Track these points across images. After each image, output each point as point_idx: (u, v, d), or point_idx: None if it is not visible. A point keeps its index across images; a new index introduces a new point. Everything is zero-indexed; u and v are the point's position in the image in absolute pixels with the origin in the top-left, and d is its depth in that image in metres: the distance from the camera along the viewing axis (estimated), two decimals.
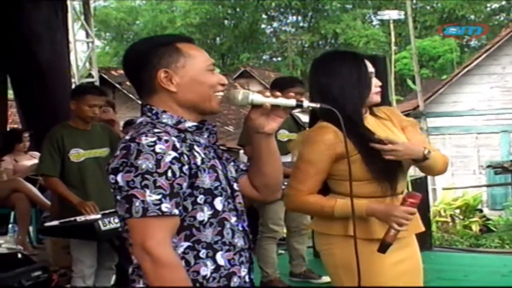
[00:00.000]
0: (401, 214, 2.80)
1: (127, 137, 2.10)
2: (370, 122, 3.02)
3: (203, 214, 2.11)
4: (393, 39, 31.91)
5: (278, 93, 2.29)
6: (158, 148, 2.02)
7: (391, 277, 2.93)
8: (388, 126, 3.07)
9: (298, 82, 6.02)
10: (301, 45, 38.17)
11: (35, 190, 7.01)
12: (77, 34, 10.61)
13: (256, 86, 26.26)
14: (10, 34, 8.26)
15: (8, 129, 8.97)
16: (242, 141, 5.83)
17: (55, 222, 4.78)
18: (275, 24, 39.52)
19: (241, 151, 9.82)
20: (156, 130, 2.08)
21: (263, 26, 39.45)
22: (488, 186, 17.08)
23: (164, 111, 2.19)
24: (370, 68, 3.01)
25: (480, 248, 10.60)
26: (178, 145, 2.07)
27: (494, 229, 13.77)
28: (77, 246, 4.92)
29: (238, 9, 37.69)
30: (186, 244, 2.10)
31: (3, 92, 8.95)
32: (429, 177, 8.87)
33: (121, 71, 21.55)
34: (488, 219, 14.42)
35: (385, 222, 2.84)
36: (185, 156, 2.07)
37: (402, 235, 2.91)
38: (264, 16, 38.73)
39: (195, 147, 2.15)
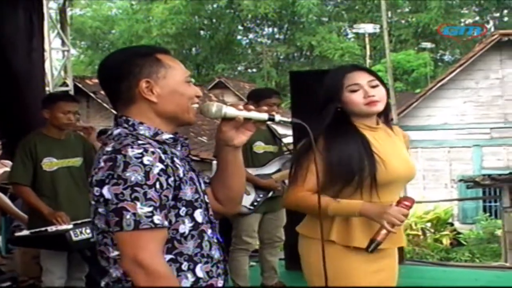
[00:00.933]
0: (394, 213, 2.80)
1: (109, 149, 2.06)
2: (376, 135, 3.02)
3: (184, 227, 2.10)
4: (368, 52, 32.22)
5: (251, 107, 2.32)
6: (146, 160, 2.00)
7: (366, 285, 2.94)
8: (396, 143, 3.07)
9: (274, 93, 6.01)
10: (276, 57, 38.28)
11: (5, 198, 6.91)
12: (52, 42, 10.53)
13: (231, 97, 26.28)
14: None
15: None
16: (216, 152, 5.79)
17: (26, 232, 4.74)
18: (251, 36, 39.63)
19: (214, 162, 9.83)
20: (140, 142, 2.06)
21: (239, 37, 39.53)
22: (459, 200, 17.20)
23: (141, 123, 2.17)
24: (350, 81, 2.99)
25: (451, 262, 10.65)
26: (163, 157, 2.05)
27: (464, 243, 13.86)
28: (47, 256, 4.86)
29: (214, 20, 37.73)
30: (168, 256, 2.08)
31: None
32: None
33: (96, 80, 21.51)
34: (459, 233, 14.51)
35: (377, 222, 2.83)
36: (170, 168, 2.06)
37: (386, 246, 2.93)
38: (240, 27, 38.81)
39: (175, 159, 2.13)
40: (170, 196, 2.05)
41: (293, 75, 7.84)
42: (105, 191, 2.00)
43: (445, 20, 34.31)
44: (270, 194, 5.71)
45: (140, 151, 2.01)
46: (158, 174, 2.01)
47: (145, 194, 1.97)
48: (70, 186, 4.94)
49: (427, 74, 31.32)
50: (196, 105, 2.26)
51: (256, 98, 5.74)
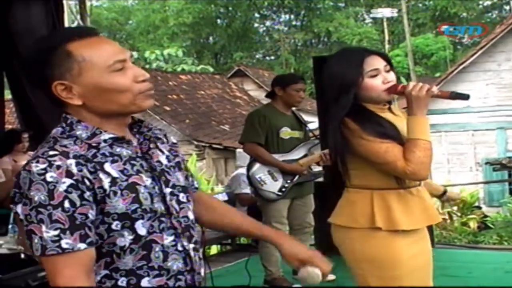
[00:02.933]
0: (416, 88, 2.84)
1: (28, 159, 1.82)
2: (386, 115, 2.99)
3: (124, 240, 1.85)
4: (386, 37, 32.10)
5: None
6: (49, 176, 1.74)
7: (408, 270, 2.93)
8: (402, 120, 3.06)
9: (299, 78, 6.03)
10: (294, 44, 38.25)
11: None
12: None
13: (251, 85, 26.26)
14: (3, 32, 8.20)
15: (5, 129, 8.89)
16: (243, 138, 5.79)
17: None
18: (268, 23, 39.60)
19: (238, 150, 9.88)
20: (51, 153, 1.78)
21: (256, 25, 39.50)
22: (486, 183, 17.10)
23: (79, 121, 1.87)
24: (369, 66, 2.92)
25: (480, 245, 10.61)
26: (75, 170, 1.77)
27: (491, 226, 13.78)
28: None
29: (230, 8, 37.73)
30: (103, 272, 1.86)
31: None
32: None
33: None
34: (486, 216, 14.43)
35: (421, 101, 2.83)
36: (86, 181, 1.78)
37: (425, 224, 2.99)
38: (256, 14, 38.78)
39: (107, 165, 1.84)
40: (92, 212, 1.80)
41: (316, 60, 7.81)
42: (19, 209, 1.78)
43: (463, 3, 34.15)
44: (296, 178, 5.71)
45: (44, 166, 1.75)
46: (66, 191, 1.75)
47: (50, 215, 1.73)
48: None
49: (446, 57, 31.16)
50: (147, 90, 1.91)
51: (282, 84, 5.77)
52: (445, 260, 6.72)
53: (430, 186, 3.28)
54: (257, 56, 39.76)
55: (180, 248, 1.94)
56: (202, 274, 2.05)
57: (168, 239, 1.92)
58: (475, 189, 15.82)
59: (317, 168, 6.55)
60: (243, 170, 7.53)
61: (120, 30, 40.06)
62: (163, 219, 1.92)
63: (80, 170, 1.78)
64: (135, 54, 34.00)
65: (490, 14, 37.29)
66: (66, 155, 1.79)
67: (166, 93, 20.85)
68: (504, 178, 16.47)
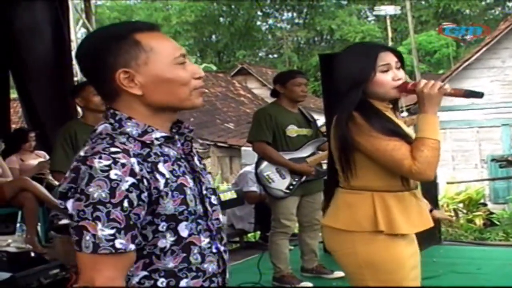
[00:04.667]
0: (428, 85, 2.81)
1: (82, 154, 1.81)
2: (389, 114, 2.98)
3: (165, 241, 1.85)
4: (389, 35, 32.07)
5: None
6: (113, 174, 1.73)
7: (408, 270, 2.95)
8: (403, 125, 3.05)
9: (298, 73, 6.07)
10: (297, 42, 38.24)
11: (42, 189, 6.95)
12: (78, 32, 10.55)
13: (254, 83, 26.26)
14: (8, 30, 8.21)
15: (11, 129, 8.90)
16: (251, 137, 5.78)
17: (68, 220, 4.74)
18: (270, 21, 39.59)
19: (243, 148, 9.87)
20: (113, 150, 1.77)
21: (258, 23, 39.50)
22: (492, 180, 17.06)
23: (130, 118, 1.87)
24: (382, 61, 2.90)
25: (488, 241, 10.61)
26: (137, 169, 1.77)
27: (497, 222, 13.76)
28: None
29: (233, 6, 37.70)
30: (142, 273, 1.85)
31: (4, 90, 8.86)
32: None
33: None
34: (492, 213, 14.41)
35: (433, 99, 2.80)
36: (144, 181, 1.78)
37: (422, 228, 2.97)
38: (259, 13, 38.76)
39: (160, 165, 1.85)
40: (143, 213, 1.79)
41: (322, 58, 7.80)
42: (70, 205, 1.76)
43: (465, 0, 34.10)
44: (304, 177, 5.71)
45: (108, 162, 1.74)
46: (127, 190, 1.74)
47: (108, 214, 1.72)
48: None
49: (449, 54, 31.12)
50: (201, 88, 1.95)
51: (282, 81, 5.77)
52: (453, 257, 6.74)
53: None
54: (260, 54, 39.75)
55: (214, 250, 1.96)
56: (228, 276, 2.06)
57: (204, 241, 1.93)
58: (481, 186, 15.80)
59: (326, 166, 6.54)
60: (250, 168, 7.54)
61: None
62: (200, 221, 1.92)
63: (141, 170, 1.78)
64: None
65: (493, 10, 37.24)
66: (127, 153, 1.78)
67: None
68: (509, 175, 16.43)
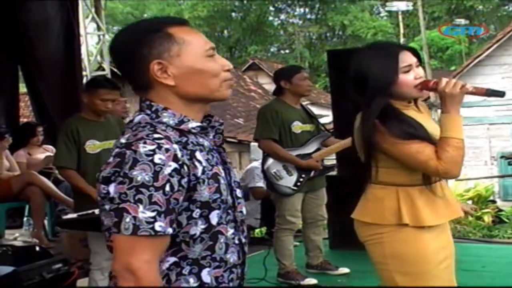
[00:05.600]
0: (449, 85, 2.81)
1: (123, 141, 1.86)
2: (411, 113, 2.98)
3: (196, 228, 1.89)
4: (401, 31, 31.95)
5: None
6: (157, 158, 1.78)
7: (434, 264, 2.95)
8: (426, 117, 3.05)
9: (300, 67, 6.06)
10: (308, 37, 38.15)
11: (49, 183, 7.00)
12: (87, 28, 10.57)
13: (265, 78, 26.24)
14: (18, 25, 8.25)
15: (20, 123, 8.96)
16: (257, 135, 5.77)
17: (74, 215, 4.76)
18: (282, 16, 39.52)
19: (252, 143, 9.84)
20: (156, 136, 1.83)
21: (270, 18, 39.43)
22: (502, 177, 17.02)
23: (165, 108, 1.93)
24: (403, 62, 2.90)
25: (495, 239, 10.57)
26: (179, 154, 1.82)
27: (506, 220, 13.71)
28: (95, 238, 4.89)
29: (245, 1, 37.66)
30: (172, 259, 1.90)
31: (14, 84, 8.91)
32: None
33: None
34: (500, 210, 14.35)
35: (455, 98, 2.81)
36: (185, 167, 1.83)
37: (449, 219, 3.03)
38: (271, 8, 38.70)
39: (197, 153, 1.90)
40: (181, 199, 1.84)
41: (330, 54, 7.80)
42: (112, 188, 1.80)
43: None
44: (312, 173, 5.71)
45: (153, 147, 1.79)
46: (170, 175, 1.79)
47: (150, 197, 1.76)
48: None
49: (461, 51, 30.97)
50: (229, 80, 2.02)
51: (287, 77, 5.72)
52: (459, 254, 6.61)
53: None
54: (271, 50, 39.69)
55: (237, 242, 2.01)
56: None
57: (230, 232, 1.98)
58: (490, 183, 15.74)
59: (329, 162, 6.56)
60: (257, 164, 7.54)
61: None
62: (229, 211, 1.98)
63: (182, 156, 1.83)
64: None
65: (507, 7, 36.99)
66: (169, 139, 1.84)
67: None
68: None
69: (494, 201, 15.30)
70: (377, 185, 3.01)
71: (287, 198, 5.68)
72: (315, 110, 6.81)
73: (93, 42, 11.90)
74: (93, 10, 10.41)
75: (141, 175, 1.76)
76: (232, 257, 1.99)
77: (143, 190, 1.76)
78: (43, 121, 8.25)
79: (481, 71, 18.54)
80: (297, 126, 5.72)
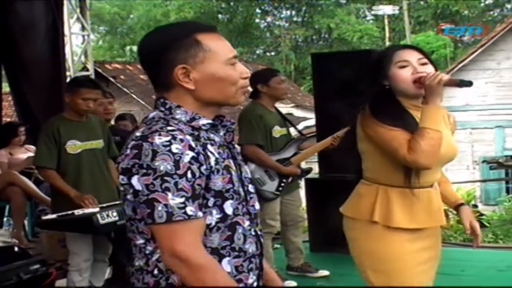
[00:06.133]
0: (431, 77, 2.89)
1: (138, 134, 1.96)
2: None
3: (211, 218, 1.98)
4: (387, 34, 32.07)
5: None
6: (175, 148, 1.89)
7: (410, 264, 2.99)
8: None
9: (276, 71, 6.11)
10: (294, 40, 38.16)
11: (30, 183, 6.98)
12: (72, 27, 10.55)
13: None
14: (3, 26, 8.23)
15: (2, 122, 8.92)
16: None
17: (53, 216, 4.76)
18: (268, 19, 39.49)
19: (236, 145, 9.93)
20: (169, 128, 1.94)
21: (257, 20, 39.42)
22: (483, 181, 17.14)
23: (178, 106, 2.04)
24: (399, 57, 2.98)
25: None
26: (193, 144, 1.93)
27: (487, 224, 13.81)
28: (73, 239, 4.90)
29: (232, 3, 37.64)
30: None
31: None
32: None
33: (116, 65, 21.42)
34: (482, 215, 14.45)
35: (433, 90, 2.88)
36: (201, 156, 1.94)
37: (426, 225, 3.02)
38: (258, 10, 38.69)
39: (209, 146, 2.00)
40: (203, 185, 1.94)
41: (314, 57, 7.83)
42: (135, 181, 1.90)
43: (465, 1, 34.06)
44: (291, 178, 5.76)
45: (168, 138, 1.90)
46: (189, 162, 1.90)
47: (176, 184, 1.86)
48: (93, 168, 4.99)
49: (447, 55, 31.11)
50: (246, 87, 2.13)
51: (264, 80, 5.71)
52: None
53: (445, 193, 3.25)
54: (257, 52, 39.67)
55: (253, 233, 2.10)
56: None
57: (246, 223, 2.07)
58: (472, 188, 15.87)
59: (306, 165, 6.60)
60: None
61: (121, 24, 40.00)
62: (243, 203, 2.07)
63: (196, 146, 1.94)
64: (135, 48, 33.97)
65: (492, 12, 37.19)
66: (182, 131, 1.95)
67: None
68: (501, 177, 16.51)
69: (475, 206, 15.42)
70: (364, 181, 3.09)
71: (268, 202, 5.70)
72: (300, 113, 6.83)
73: (78, 42, 11.88)
74: (78, 10, 10.39)
75: (163, 164, 1.87)
76: (250, 248, 2.07)
77: (168, 178, 1.86)
78: (26, 121, 8.22)
79: (465, 75, 18.59)
80: (277, 131, 5.74)
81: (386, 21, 32.58)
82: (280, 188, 5.67)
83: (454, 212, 9.56)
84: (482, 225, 13.79)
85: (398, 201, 2.97)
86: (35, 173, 7.03)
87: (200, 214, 1.91)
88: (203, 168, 1.93)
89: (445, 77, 2.89)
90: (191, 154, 1.91)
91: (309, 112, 18.30)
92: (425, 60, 3.00)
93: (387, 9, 31.51)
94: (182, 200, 1.87)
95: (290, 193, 5.88)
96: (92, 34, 35.49)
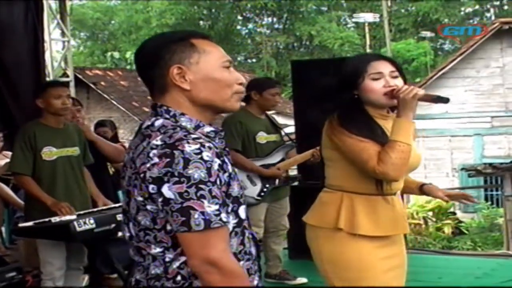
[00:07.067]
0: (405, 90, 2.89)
1: (158, 143, 1.95)
2: (387, 124, 3.03)
3: (230, 224, 2.01)
4: (368, 42, 32.20)
5: None
6: (206, 155, 1.90)
7: (380, 271, 2.99)
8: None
9: (276, 82, 6.10)
10: (276, 47, 38.20)
11: (8, 190, 6.92)
12: (52, 33, 10.49)
13: None
14: None
15: None
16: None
17: (29, 223, 4.73)
18: (250, 25, 39.53)
19: None
20: (194, 136, 1.95)
21: (238, 27, 39.45)
22: (461, 188, 17.19)
23: (182, 114, 2.05)
24: (373, 69, 3.00)
25: (453, 250, 10.69)
26: (217, 151, 1.96)
27: (466, 231, 13.90)
28: (45, 247, 4.85)
29: (213, 10, 37.65)
30: None
31: None
32: None
33: (96, 71, 21.33)
34: (461, 222, 14.54)
35: (407, 104, 2.89)
36: (224, 164, 1.99)
37: (392, 232, 3.03)
38: (239, 17, 38.73)
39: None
40: (226, 192, 1.98)
41: (294, 64, 7.86)
42: (165, 189, 1.89)
43: (445, 9, 34.28)
44: (277, 183, 5.75)
45: (197, 146, 1.91)
46: (218, 170, 1.93)
47: (210, 191, 1.88)
48: (68, 175, 4.95)
49: (427, 63, 31.30)
50: (241, 93, 2.15)
51: (259, 88, 5.77)
52: (416, 266, 6.75)
53: (406, 183, 3.25)
54: (238, 59, 39.63)
55: (251, 236, 2.14)
56: None
57: (248, 227, 2.12)
58: None
59: (293, 172, 6.59)
60: None
61: (103, 29, 39.87)
62: (245, 208, 2.11)
63: (219, 153, 1.98)
64: (116, 54, 33.87)
65: (471, 21, 37.45)
66: (204, 139, 1.97)
67: (146, 94, 20.74)
68: (479, 184, 16.60)
69: (454, 213, 15.48)
70: (327, 189, 3.08)
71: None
72: (281, 120, 6.84)
73: (58, 48, 11.80)
74: (58, 16, 10.34)
75: (196, 172, 1.87)
76: (253, 250, 2.12)
77: (202, 186, 1.87)
78: (6, 127, 8.15)
79: (444, 83, 18.75)
80: (262, 137, 5.75)
81: (367, 28, 32.71)
82: (262, 193, 5.67)
83: (433, 219, 9.55)
84: (461, 232, 13.90)
85: (363, 209, 2.97)
86: (12, 179, 6.97)
87: (230, 219, 1.97)
88: (225, 175, 1.97)
89: (421, 92, 2.90)
90: (218, 161, 1.94)
91: (290, 119, 18.31)
92: (397, 73, 3.01)
93: (368, 17, 31.64)
94: (217, 207, 1.89)
95: (278, 200, 5.89)
96: (73, 40, 35.40)
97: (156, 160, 1.92)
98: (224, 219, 1.90)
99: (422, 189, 3.28)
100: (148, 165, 1.94)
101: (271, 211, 5.89)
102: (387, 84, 2.96)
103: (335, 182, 3.05)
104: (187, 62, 2.06)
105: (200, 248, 1.89)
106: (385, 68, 3.00)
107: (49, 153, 4.87)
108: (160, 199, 1.91)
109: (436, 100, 3.00)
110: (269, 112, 6.02)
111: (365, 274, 2.97)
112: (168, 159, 1.90)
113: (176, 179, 1.88)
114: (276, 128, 5.96)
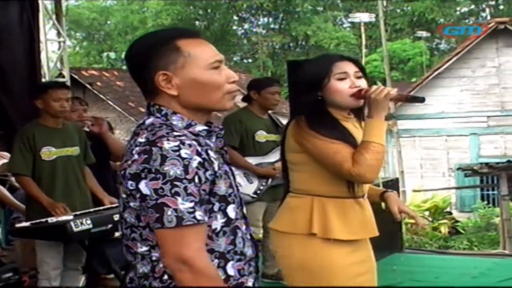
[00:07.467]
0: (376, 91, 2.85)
1: (142, 140, 1.95)
2: (348, 125, 3.01)
3: (217, 222, 2.00)
4: (363, 42, 32.21)
5: None
6: (184, 153, 1.89)
7: (347, 277, 2.95)
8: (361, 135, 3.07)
9: (275, 81, 6.12)
10: (272, 47, 38.19)
11: (4, 190, 6.90)
12: (48, 34, 10.47)
13: None
14: None
15: None
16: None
17: (26, 223, 4.72)
18: (246, 26, 39.51)
19: None
20: (176, 134, 1.94)
21: (234, 27, 39.43)
22: (458, 188, 17.23)
23: (174, 113, 2.04)
24: (338, 69, 2.95)
25: (450, 250, 10.70)
26: (199, 149, 1.94)
27: (462, 231, 13.90)
28: (43, 247, 4.85)
29: (209, 10, 37.62)
30: None
31: None
32: (399, 179, 8.95)
33: (92, 72, 21.33)
34: (457, 221, 14.55)
35: (378, 104, 2.85)
36: (206, 161, 1.95)
37: (361, 236, 3.00)
38: (235, 17, 38.71)
39: (209, 151, 2.01)
40: (208, 190, 1.96)
41: (290, 64, 7.85)
42: (142, 186, 1.90)
43: (440, 9, 34.30)
44: (272, 181, 5.74)
45: (177, 143, 1.90)
46: (197, 167, 1.90)
47: (185, 188, 1.87)
48: (68, 175, 4.95)
49: (423, 63, 31.30)
50: (234, 92, 2.11)
51: (257, 88, 5.82)
52: (413, 265, 6.79)
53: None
54: (234, 59, 39.61)
55: (249, 236, 2.14)
56: None
57: (243, 227, 2.11)
58: (447, 194, 15.95)
59: None
60: None
61: (99, 30, 39.82)
62: (240, 207, 2.12)
63: (201, 151, 1.95)
64: (112, 54, 33.84)
65: (467, 20, 37.49)
66: (187, 136, 1.96)
67: (142, 95, 20.78)
68: (475, 184, 16.61)
69: (450, 212, 15.49)
70: (293, 194, 3.02)
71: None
72: (284, 120, 6.86)
73: (54, 48, 11.77)
74: (53, 16, 10.32)
75: (172, 169, 1.86)
76: (248, 251, 2.10)
77: (177, 183, 1.86)
78: (1, 127, 8.14)
79: (440, 83, 18.76)
80: (261, 136, 5.76)
81: (362, 28, 32.70)
82: (258, 191, 5.67)
83: (430, 219, 9.59)
84: (457, 232, 13.90)
85: (334, 212, 2.92)
86: (9, 180, 6.97)
87: (206, 218, 1.93)
88: (208, 173, 1.95)
89: (393, 91, 2.86)
90: (198, 159, 1.91)
91: (286, 118, 18.26)
92: (361, 74, 2.98)
93: (363, 17, 31.60)
94: (192, 204, 1.87)
95: (276, 200, 5.87)
96: (69, 40, 35.35)
97: (136, 157, 1.93)
98: (199, 217, 1.88)
99: (382, 197, 3.18)
100: (129, 162, 1.95)
101: (271, 211, 5.88)
102: (353, 85, 2.93)
103: (303, 186, 2.98)
104: (172, 67, 2.03)
105: (173, 246, 1.88)
106: (350, 68, 2.96)
107: (48, 153, 4.87)
108: (138, 195, 1.92)
109: (411, 99, 2.99)
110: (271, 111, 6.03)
111: (329, 281, 2.91)
112: (146, 156, 1.91)
113: (153, 175, 1.88)
114: (277, 128, 5.96)
